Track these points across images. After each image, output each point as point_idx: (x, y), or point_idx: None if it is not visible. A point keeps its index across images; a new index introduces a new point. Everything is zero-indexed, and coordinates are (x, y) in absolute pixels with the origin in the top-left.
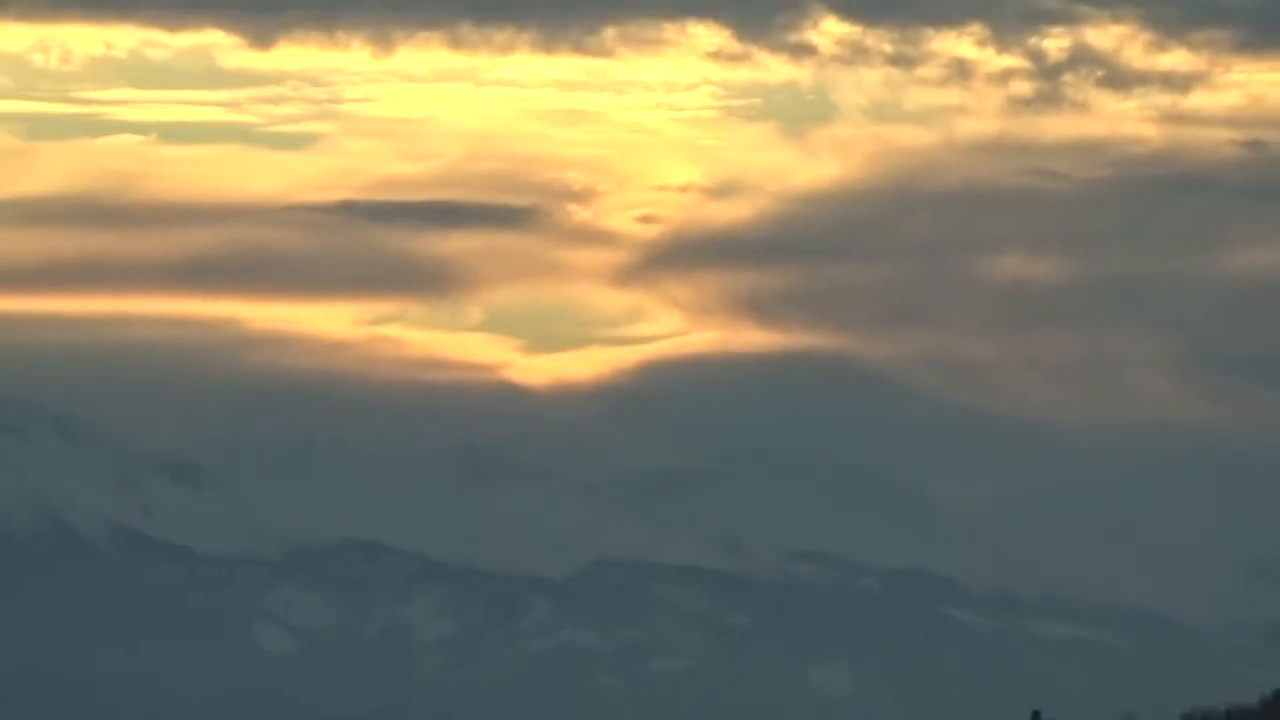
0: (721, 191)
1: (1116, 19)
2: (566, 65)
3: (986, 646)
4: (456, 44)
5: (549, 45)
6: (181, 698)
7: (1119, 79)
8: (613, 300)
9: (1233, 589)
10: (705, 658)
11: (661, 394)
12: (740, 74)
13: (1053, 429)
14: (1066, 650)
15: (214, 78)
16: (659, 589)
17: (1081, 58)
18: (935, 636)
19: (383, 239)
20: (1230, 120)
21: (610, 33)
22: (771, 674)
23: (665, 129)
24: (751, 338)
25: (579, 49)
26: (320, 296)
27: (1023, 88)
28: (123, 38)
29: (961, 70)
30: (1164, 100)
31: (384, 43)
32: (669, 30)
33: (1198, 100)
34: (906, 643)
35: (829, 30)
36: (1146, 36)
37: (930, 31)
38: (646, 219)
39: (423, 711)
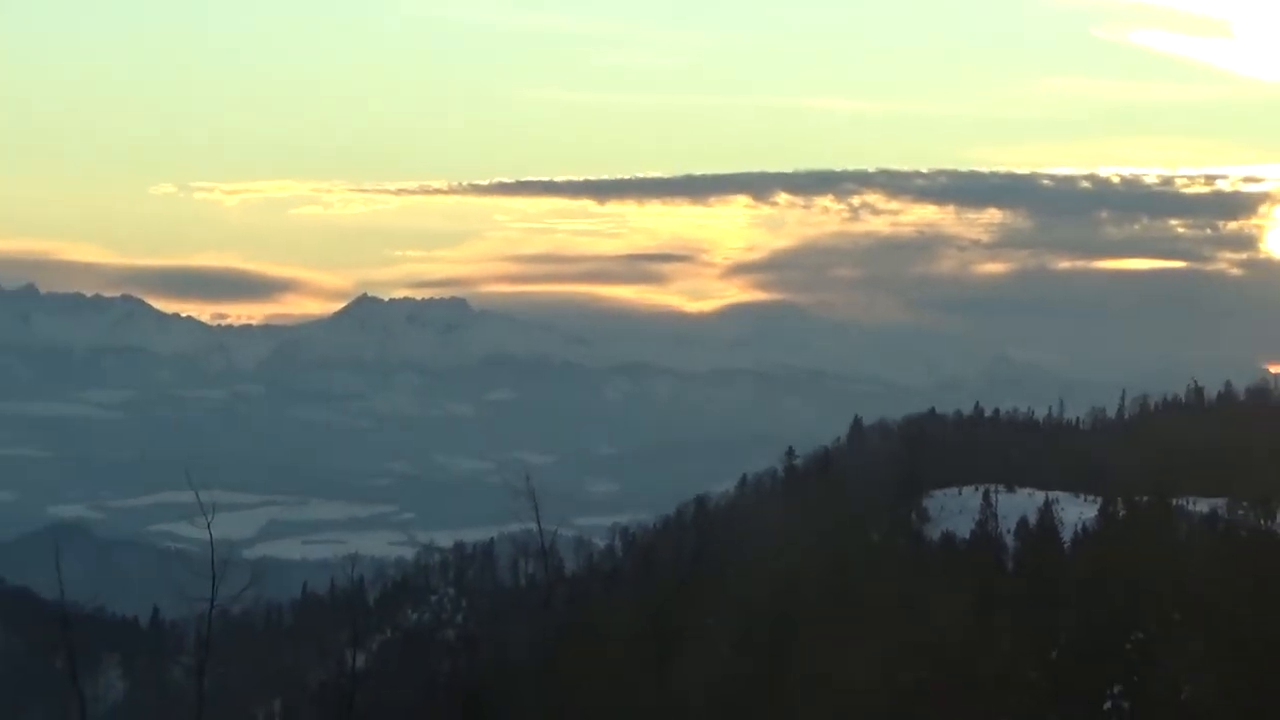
0: (749, 249)
1: (874, 192)
2: (695, 210)
3: (835, 394)
4: (663, 200)
5: (692, 200)
6: (559, 422)
7: (876, 212)
8: (715, 284)
9: (924, 378)
10: (741, 402)
11: (731, 314)
12: (753, 212)
13: (855, 325)
14: (865, 395)
15: (597, 217)
16: (724, 377)
17: (864, 206)
18: (821, 392)
19: (641, 267)
20: (911, 224)
21: (712, 198)
22: (767, 404)
23: (729, 229)
24: (760, 295)
25: (700, 202)
26: (620, 283)
27: (844, 215)
28: (548, 205)
29: (825, 209)
30: (892, 219)
31: (640, 200)
32: (731, 198)
33: (903, 219)
34: (815, 396)
35: (783, 197)
36: (882, 198)
37: (816, 198)
38: (725, 259)
39: (651, 426)
